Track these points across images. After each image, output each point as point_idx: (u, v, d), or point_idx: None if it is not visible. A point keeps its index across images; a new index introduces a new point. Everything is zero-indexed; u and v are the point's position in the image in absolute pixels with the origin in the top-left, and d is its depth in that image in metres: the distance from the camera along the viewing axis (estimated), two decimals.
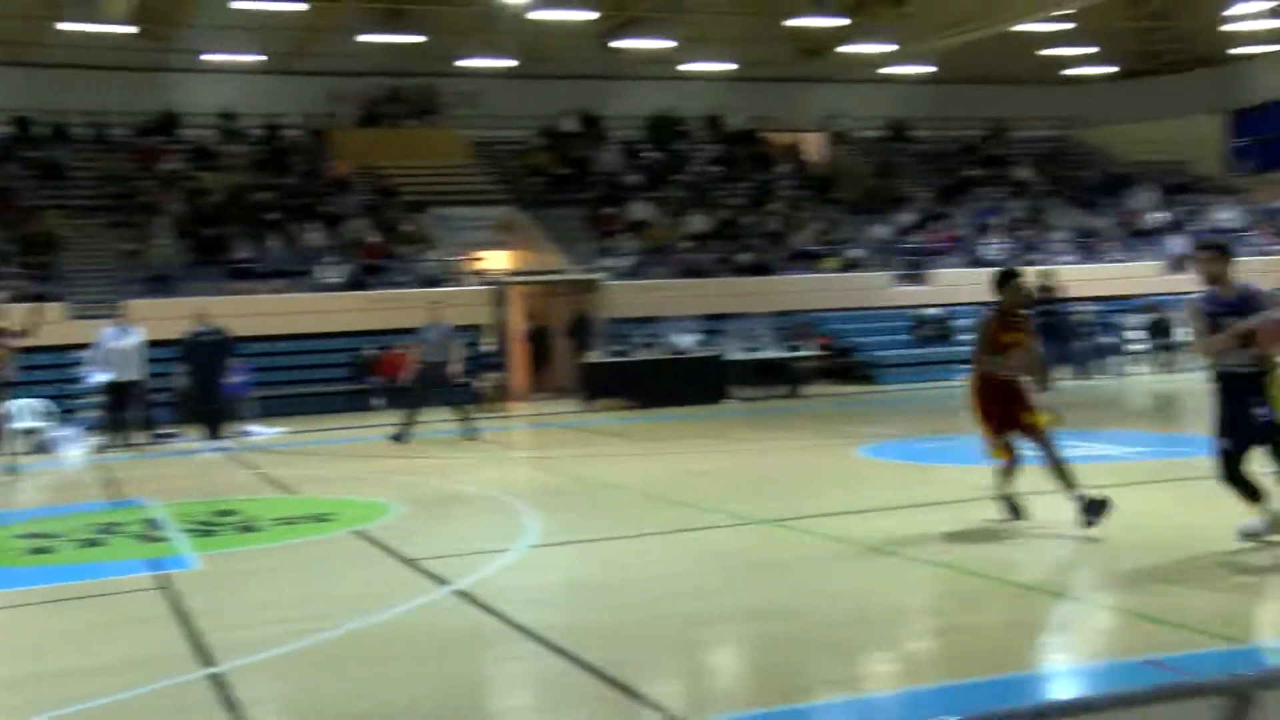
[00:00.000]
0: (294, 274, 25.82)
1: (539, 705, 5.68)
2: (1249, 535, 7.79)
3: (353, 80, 32.92)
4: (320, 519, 10.78)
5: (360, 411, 23.62)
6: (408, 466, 14.65)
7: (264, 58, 31.41)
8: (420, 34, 30.66)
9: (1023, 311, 9.12)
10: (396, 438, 17.28)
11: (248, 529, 10.46)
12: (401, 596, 7.46)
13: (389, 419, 18.62)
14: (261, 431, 19.94)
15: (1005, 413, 8.84)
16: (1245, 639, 6.08)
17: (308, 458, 16.64)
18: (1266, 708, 1.99)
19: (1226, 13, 32.10)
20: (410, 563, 8.53)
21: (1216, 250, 7.88)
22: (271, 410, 21.60)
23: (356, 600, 7.47)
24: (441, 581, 7.84)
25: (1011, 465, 8.97)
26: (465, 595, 7.44)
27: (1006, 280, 9.17)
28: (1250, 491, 7.79)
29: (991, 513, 9.08)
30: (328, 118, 32.54)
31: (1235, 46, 36.24)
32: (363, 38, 30.36)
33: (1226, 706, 2.04)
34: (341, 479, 13.90)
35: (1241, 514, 7.85)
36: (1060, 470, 8.54)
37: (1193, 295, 8.06)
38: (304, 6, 28.71)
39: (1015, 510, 8.94)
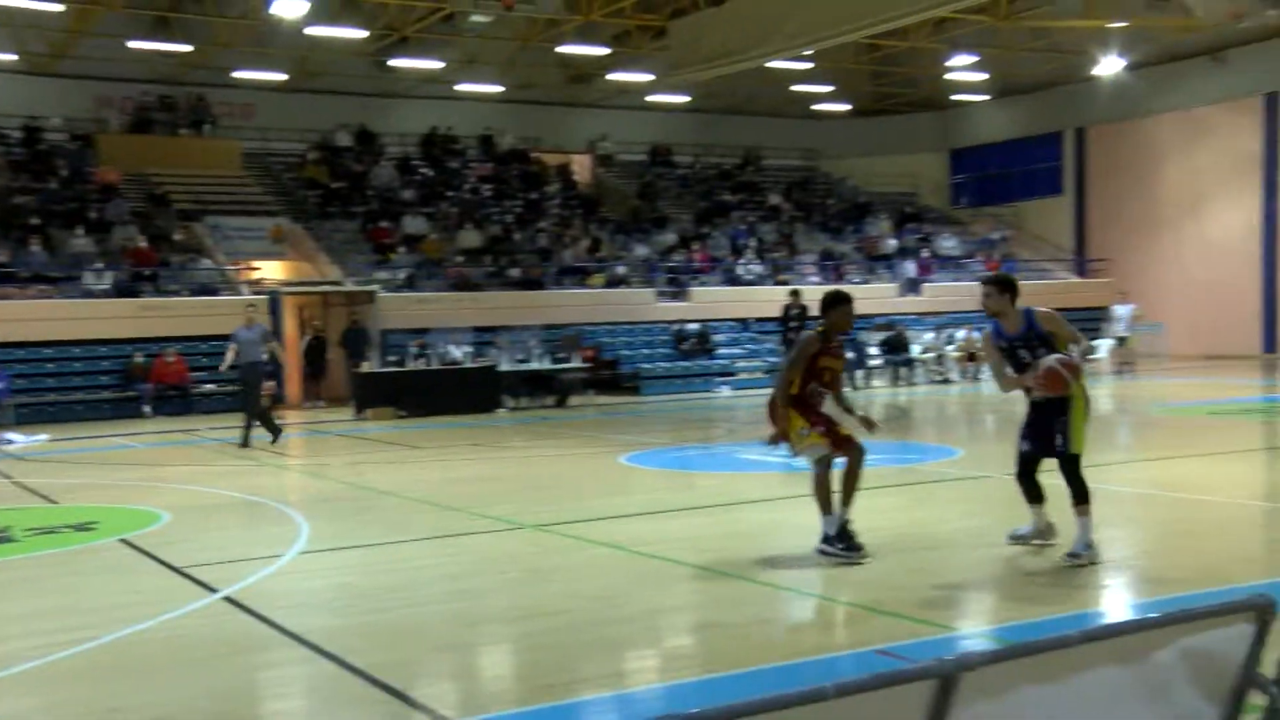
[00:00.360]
0: (58, 280, 24.34)
1: (310, 710, 5.51)
2: (1017, 539, 8.06)
3: (122, 86, 31.36)
4: (83, 528, 10.17)
5: (129, 419, 22.50)
6: (178, 474, 14.00)
7: (16, 57, 29.49)
8: (190, 43, 29.38)
9: (841, 337, 8.36)
10: (244, 444, 16.72)
11: (2, 539, 9.77)
12: (169, 604, 7.11)
13: (159, 426, 17.76)
14: (20, 439, 18.71)
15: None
16: (956, 625, 6.46)
17: (71, 465, 15.70)
18: (963, 688, 2.17)
19: (947, 63, 34.19)
20: (178, 570, 8.15)
21: (995, 285, 7.79)
22: (35, 418, 20.33)
23: (121, 609, 7.08)
24: (210, 589, 7.51)
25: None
26: (234, 602, 7.16)
27: (838, 303, 8.14)
28: (1033, 494, 7.94)
29: (746, 515, 9.32)
30: (95, 122, 30.89)
31: (954, 93, 38.57)
32: (132, 44, 28.88)
33: (933, 688, 2.20)
34: (108, 486, 13.17)
35: (968, 514, 8.32)
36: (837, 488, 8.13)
37: (986, 328, 8.11)
38: (61, 8, 27.06)
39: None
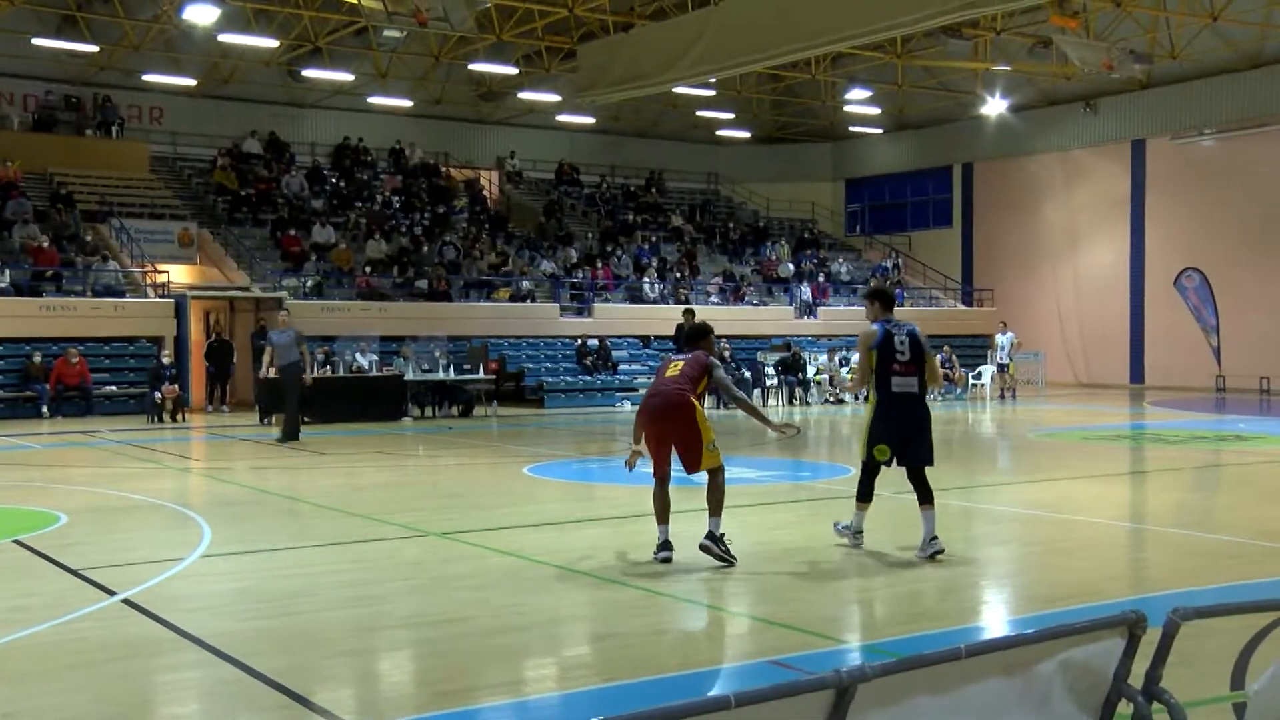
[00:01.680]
0: None
1: (208, 714, 5.37)
2: (840, 529, 8.95)
3: (25, 83, 30.43)
4: None
5: (27, 419, 21.78)
6: (77, 476, 13.59)
7: None
8: (98, 44, 28.64)
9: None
10: (289, 437, 17.29)
11: None
12: (65, 607, 6.89)
13: (58, 427, 17.22)
14: None
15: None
16: (848, 638, 6.56)
17: None
18: (859, 698, 2.22)
19: (844, 96, 34.88)
20: (75, 573, 7.91)
21: (870, 298, 8.80)
22: None
23: (15, 612, 6.84)
24: (109, 591, 7.30)
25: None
26: (134, 605, 6.96)
27: (707, 332, 8.88)
28: (865, 492, 8.74)
29: (645, 527, 9.34)
30: None
31: (851, 125, 39.32)
32: (37, 41, 28.04)
33: (829, 698, 2.26)
34: (3, 487, 12.72)
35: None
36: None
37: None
38: None
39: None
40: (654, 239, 35.30)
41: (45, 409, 22.21)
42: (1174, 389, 31.56)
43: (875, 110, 36.44)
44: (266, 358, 17.71)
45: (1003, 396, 28.81)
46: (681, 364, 8.55)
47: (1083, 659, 2.69)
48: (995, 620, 7.03)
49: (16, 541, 9.16)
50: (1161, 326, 33.02)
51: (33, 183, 28.18)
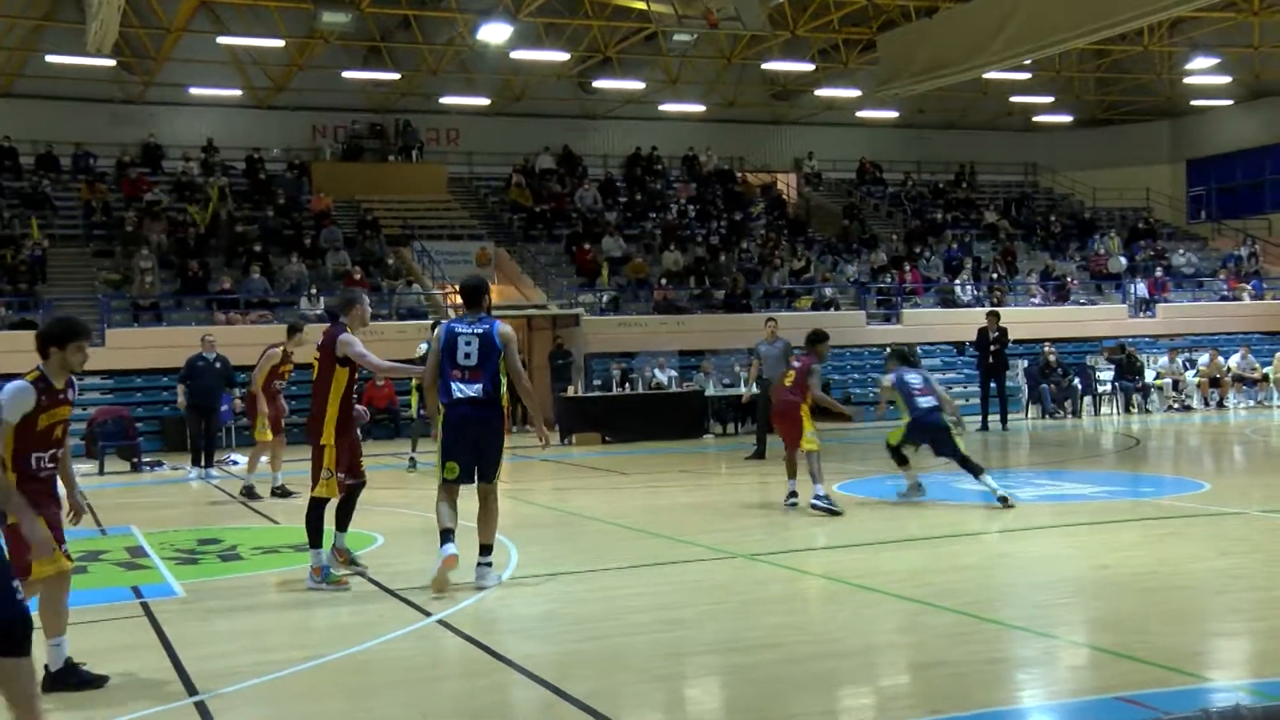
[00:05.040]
0: (276, 305, 25.70)
1: None
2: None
3: (336, 115, 33.08)
4: (303, 548, 10.65)
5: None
6: (388, 497, 14.54)
7: (240, 92, 31.47)
8: (399, 72, 30.81)
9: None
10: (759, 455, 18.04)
11: (230, 558, 10.37)
12: (386, 626, 7.39)
13: (370, 450, 18.41)
14: (242, 460, 19.77)
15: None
16: (1213, 676, 6.11)
17: (289, 487, 16.47)
18: None
19: (1185, 67, 32.72)
20: (394, 593, 8.47)
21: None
22: (245, 439, 21.30)
23: (342, 630, 7.40)
24: (425, 612, 7.77)
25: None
26: (448, 625, 7.38)
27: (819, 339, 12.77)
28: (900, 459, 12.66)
29: (967, 548, 9.11)
30: (310, 151, 32.66)
31: (1193, 99, 36.84)
32: (347, 74, 30.48)
33: None
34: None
35: (1222, 552, 7.90)
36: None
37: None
38: (282, 43, 28.80)
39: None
40: (966, 237, 34.38)
41: (359, 432, 23.92)
42: None
43: (1224, 79, 33.97)
44: (753, 370, 18.15)
45: None
46: (793, 374, 12.42)
47: None
48: None
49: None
50: None
51: (342, 210, 30.54)
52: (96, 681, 6.21)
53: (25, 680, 4.65)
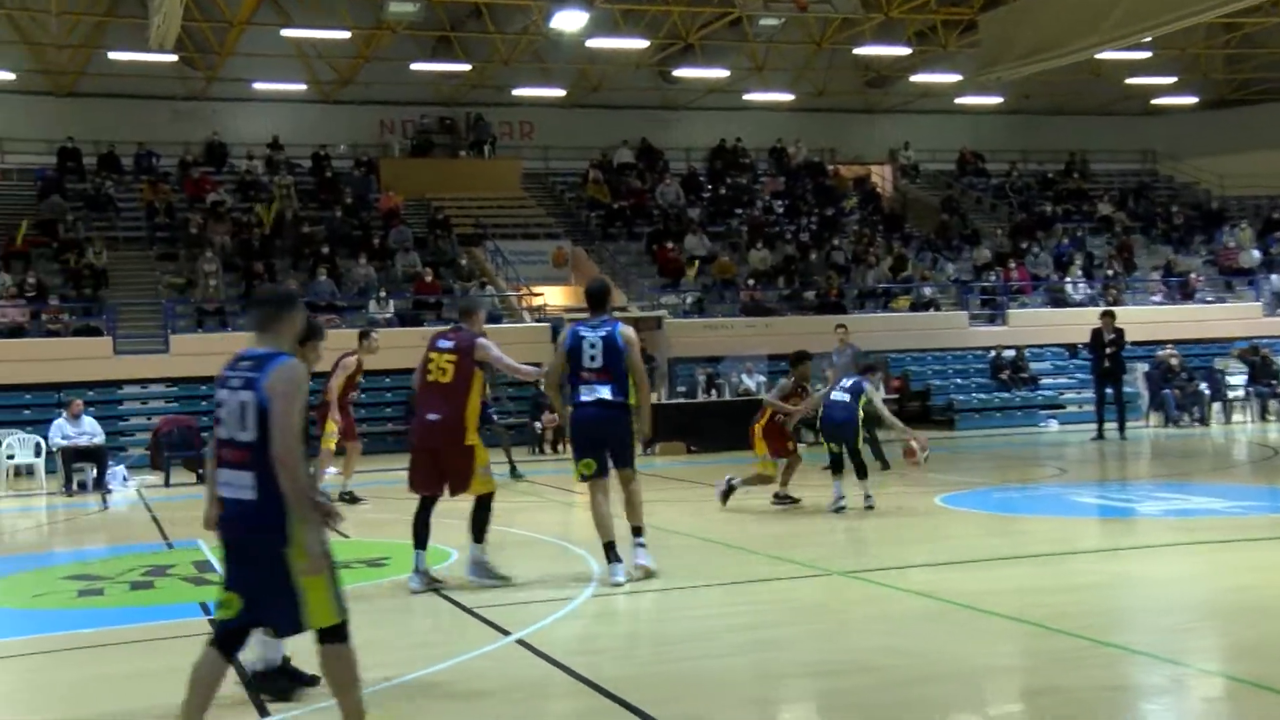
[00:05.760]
0: (344, 309, 26.06)
1: None
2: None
3: (404, 109, 33.48)
4: (375, 564, 10.85)
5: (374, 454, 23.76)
6: (464, 509, 14.68)
7: (305, 86, 31.98)
8: (470, 62, 31.10)
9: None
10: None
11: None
12: (463, 646, 7.47)
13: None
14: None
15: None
16: None
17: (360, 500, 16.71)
18: None
19: None
20: (470, 611, 8.56)
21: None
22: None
23: (417, 649, 7.50)
24: (503, 631, 7.85)
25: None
26: (527, 645, 7.45)
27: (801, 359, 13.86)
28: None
29: (1083, 566, 9.00)
30: (378, 147, 33.09)
31: None
32: (415, 66, 30.85)
33: None
34: (396, 522, 13.92)
35: None
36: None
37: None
38: (348, 35, 29.24)
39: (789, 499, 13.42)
40: (1078, 231, 33.90)
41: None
42: None
43: None
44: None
45: None
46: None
47: None
48: None
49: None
50: None
51: (412, 209, 30.93)
52: (308, 681, 6.40)
53: (347, 663, 5.24)
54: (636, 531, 9.44)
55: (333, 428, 14.75)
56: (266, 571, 5.15)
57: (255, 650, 6.29)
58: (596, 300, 9.53)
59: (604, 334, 9.20)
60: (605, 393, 9.16)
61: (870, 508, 12.84)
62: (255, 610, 5.27)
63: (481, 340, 9.46)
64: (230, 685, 5.94)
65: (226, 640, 5.33)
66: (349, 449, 15.06)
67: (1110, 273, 31.58)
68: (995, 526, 12.56)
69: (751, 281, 28.82)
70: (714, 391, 23.71)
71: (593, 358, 9.17)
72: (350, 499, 14.90)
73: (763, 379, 24.52)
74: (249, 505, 5.20)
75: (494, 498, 9.43)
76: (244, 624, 5.32)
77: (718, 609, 8.60)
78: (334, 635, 5.26)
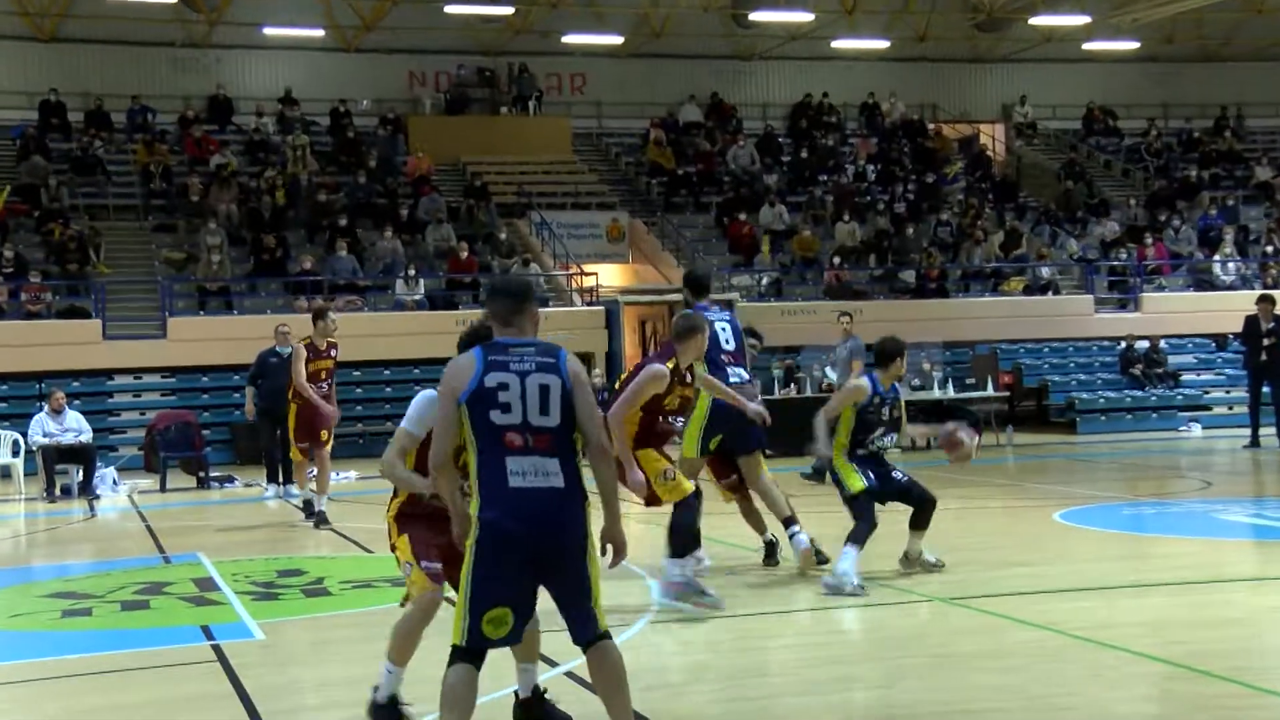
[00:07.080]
0: (366, 290, 26.22)
1: None
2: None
3: (437, 59, 33.54)
4: (400, 583, 10.91)
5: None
6: None
7: (323, 33, 32.05)
8: (513, 5, 31.09)
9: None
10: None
11: (316, 593, 10.66)
12: (504, 679, 7.50)
13: None
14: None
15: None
16: None
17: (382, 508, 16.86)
18: None
19: None
20: None
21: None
22: (342, 451, 21.68)
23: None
24: (550, 662, 7.89)
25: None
26: (578, 679, 7.48)
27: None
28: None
29: (1231, 597, 8.92)
30: (407, 103, 33.19)
31: None
32: (450, 8, 30.86)
33: None
34: None
35: None
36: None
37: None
38: None
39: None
40: (1229, 201, 33.50)
41: None
42: None
43: None
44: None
45: None
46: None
47: None
48: None
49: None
50: None
51: (445, 175, 31.09)
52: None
53: (620, 658, 5.77)
54: (788, 522, 10.53)
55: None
56: (572, 566, 5.71)
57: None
58: (704, 284, 10.56)
59: (728, 316, 10.39)
60: (748, 374, 10.46)
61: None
62: (527, 619, 5.94)
63: (656, 368, 9.49)
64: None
65: (481, 657, 5.80)
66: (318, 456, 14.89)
67: (1269, 249, 31.18)
68: (1124, 548, 12.48)
69: (837, 260, 28.73)
70: (793, 386, 23.67)
71: (728, 340, 10.11)
72: (308, 513, 14.86)
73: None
74: (558, 494, 5.70)
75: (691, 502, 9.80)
76: (507, 642, 5.86)
77: (790, 639, 8.64)
78: (607, 631, 5.74)
